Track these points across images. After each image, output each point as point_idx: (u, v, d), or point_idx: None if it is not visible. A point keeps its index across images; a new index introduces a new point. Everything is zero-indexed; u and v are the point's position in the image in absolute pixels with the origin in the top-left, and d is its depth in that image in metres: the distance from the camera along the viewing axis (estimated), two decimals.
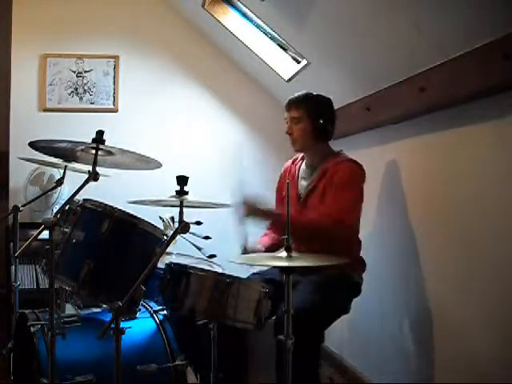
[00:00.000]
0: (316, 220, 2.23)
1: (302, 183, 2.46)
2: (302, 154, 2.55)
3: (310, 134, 2.39)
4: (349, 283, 2.36)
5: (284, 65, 3.28)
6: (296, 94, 2.44)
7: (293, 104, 2.42)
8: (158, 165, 1.95)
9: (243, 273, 2.28)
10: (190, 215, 1.76)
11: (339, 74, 2.87)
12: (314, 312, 2.07)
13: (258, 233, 2.49)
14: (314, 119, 2.38)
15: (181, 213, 1.71)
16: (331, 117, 2.42)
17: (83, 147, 1.88)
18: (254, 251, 2.28)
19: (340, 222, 2.18)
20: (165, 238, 1.92)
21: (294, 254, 1.65)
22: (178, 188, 1.73)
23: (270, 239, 2.47)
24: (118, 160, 1.98)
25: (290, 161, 2.62)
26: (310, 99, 2.41)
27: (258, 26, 3.28)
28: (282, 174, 2.63)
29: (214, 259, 2.43)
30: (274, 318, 2.02)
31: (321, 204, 2.30)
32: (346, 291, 2.35)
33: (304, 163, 2.51)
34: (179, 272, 1.84)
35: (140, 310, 2.08)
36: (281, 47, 3.26)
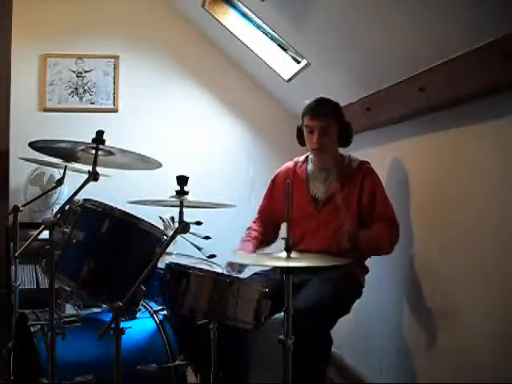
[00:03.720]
0: (382, 235, 2.27)
1: (317, 185, 2.44)
2: (304, 156, 2.54)
3: (337, 140, 2.39)
4: (355, 284, 2.38)
5: (284, 65, 3.28)
6: (318, 101, 2.35)
7: (323, 111, 2.32)
8: (158, 165, 1.95)
9: (243, 273, 2.29)
10: (189, 215, 1.76)
11: (339, 74, 2.87)
12: (322, 309, 2.09)
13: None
14: (339, 124, 2.36)
15: (181, 213, 1.71)
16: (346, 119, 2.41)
17: (83, 147, 1.88)
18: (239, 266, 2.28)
19: (396, 222, 2.34)
20: (165, 238, 1.92)
21: (293, 255, 1.65)
22: (178, 188, 1.73)
23: (252, 246, 2.44)
24: (118, 160, 1.98)
25: (291, 163, 2.56)
26: (333, 104, 2.36)
27: (258, 26, 3.28)
28: (281, 176, 2.55)
29: (214, 259, 2.43)
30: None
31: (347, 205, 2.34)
32: (353, 291, 2.36)
33: (312, 165, 2.48)
34: (179, 272, 1.83)
35: (140, 309, 2.07)
36: (281, 47, 3.26)
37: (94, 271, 1.80)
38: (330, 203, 2.39)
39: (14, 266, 2.58)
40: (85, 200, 1.93)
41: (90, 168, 1.82)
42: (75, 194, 1.80)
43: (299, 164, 2.53)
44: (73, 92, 3.63)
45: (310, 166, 2.49)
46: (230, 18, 3.32)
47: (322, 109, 2.33)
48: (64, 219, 1.87)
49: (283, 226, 2.57)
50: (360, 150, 2.74)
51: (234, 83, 3.83)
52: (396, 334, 2.60)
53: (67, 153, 2.03)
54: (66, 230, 1.86)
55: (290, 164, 2.58)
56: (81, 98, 3.64)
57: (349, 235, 2.18)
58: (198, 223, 2.43)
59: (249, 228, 2.56)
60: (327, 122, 2.32)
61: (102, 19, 3.65)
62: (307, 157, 2.52)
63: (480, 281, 1.99)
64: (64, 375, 1.80)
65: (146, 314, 2.16)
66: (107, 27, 3.66)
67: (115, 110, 3.67)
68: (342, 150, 2.50)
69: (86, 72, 3.65)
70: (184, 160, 3.59)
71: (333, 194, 2.38)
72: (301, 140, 2.44)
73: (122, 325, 1.55)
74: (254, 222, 2.60)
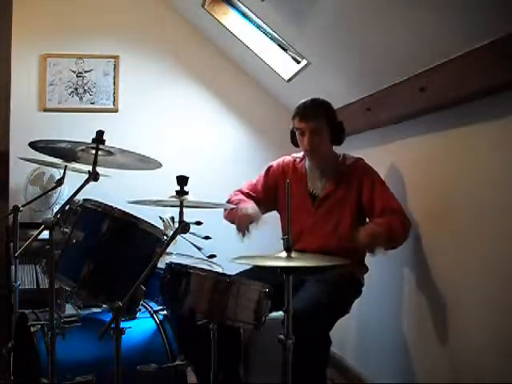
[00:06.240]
0: (393, 222, 2.22)
1: (315, 183, 2.44)
2: (302, 153, 2.54)
3: (329, 140, 2.38)
4: (355, 283, 2.38)
5: (284, 65, 3.28)
6: (306, 103, 2.35)
7: (311, 113, 2.31)
8: (158, 165, 1.95)
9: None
10: (189, 215, 1.76)
11: (339, 74, 2.87)
12: (322, 310, 2.09)
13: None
14: (331, 124, 2.36)
15: (181, 213, 1.71)
16: (338, 118, 2.41)
17: (83, 147, 1.88)
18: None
19: (402, 210, 2.31)
20: (165, 238, 1.92)
21: (293, 255, 1.65)
22: (178, 188, 1.73)
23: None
24: (118, 160, 1.98)
25: (290, 158, 2.56)
26: (322, 104, 2.35)
27: (258, 26, 3.28)
28: (281, 169, 2.54)
29: (214, 259, 2.43)
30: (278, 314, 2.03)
31: (345, 203, 2.34)
32: (352, 291, 2.36)
33: (309, 163, 2.49)
34: (179, 272, 1.83)
35: (140, 310, 2.07)
36: (281, 47, 3.26)
37: (93, 271, 1.80)
38: (326, 202, 2.39)
39: (14, 266, 2.58)
40: (85, 200, 1.93)
41: (90, 168, 1.82)
42: (75, 194, 1.80)
43: (298, 160, 2.54)
44: (73, 92, 3.63)
45: (307, 163, 2.50)
46: (230, 18, 3.32)
47: (310, 110, 2.32)
48: (64, 219, 1.86)
49: (278, 224, 2.57)
50: (360, 150, 2.73)
51: (234, 83, 3.83)
52: (396, 335, 2.60)
53: (67, 153, 2.03)
54: (65, 230, 1.86)
55: (288, 158, 2.57)
56: (81, 98, 3.64)
57: (367, 233, 2.12)
58: (198, 223, 2.43)
59: (240, 195, 2.52)
60: (317, 124, 2.31)
61: (102, 19, 3.65)
62: (305, 155, 2.52)
63: (481, 280, 1.98)
64: (64, 375, 1.80)
65: (146, 314, 2.16)
66: (107, 27, 3.67)
67: (115, 110, 3.67)
68: (337, 149, 2.50)
69: (86, 72, 3.65)
70: (184, 160, 3.59)
71: (329, 193, 2.39)
72: (295, 142, 2.45)
73: (122, 325, 1.55)
74: (238, 194, 2.54)
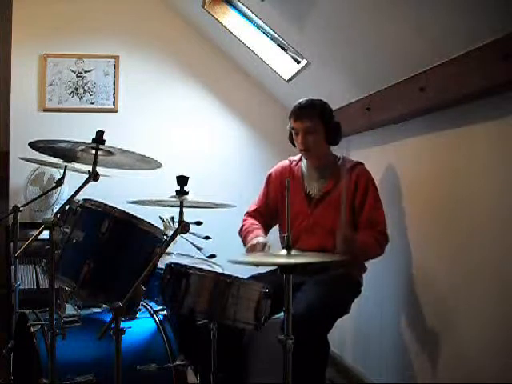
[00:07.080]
0: (369, 241, 2.26)
1: (312, 184, 2.45)
2: (299, 155, 2.54)
3: (325, 140, 2.39)
4: (352, 283, 2.38)
5: (284, 65, 3.28)
6: (301, 103, 2.38)
7: (305, 113, 2.35)
8: (158, 165, 1.95)
9: (243, 273, 2.28)
10: (189, 215, 1.76)
11: (339, 74, 2.87)
12: (321, 311, 2.08)
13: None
14: (326, 124, 2.37)
15: (181, 213, 1.71)
16: (335, 119, 2.42)
17: (83, 147, 1.88)
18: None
19: (384, 230, 2.33)
20: (165, 238, 1.92)
21: (293, 253, 1.65)
22: (178, 188, 1.73)
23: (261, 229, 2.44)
24: (118, 160, 1.98)
25: (286, 162, 2.58)
26: (318, 105, 2.37)
27: (258, 26, 3.28)
28: (277, 174, 2.55)
29: (214, 259, 2.43)
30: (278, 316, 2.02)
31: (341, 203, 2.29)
32: (350, 291, 2.36)
33: (306, 164, 2.49)
34: (179, 272, 1.83)
35: (140, 310, 2.07)
36: (281, 47, 3.26)
37: (93, 271, 1.80)
38: (323, 201, 2.40)
39: (14, 266, 2.58)
40: (85, 200, 1.93)
41: (90, 168, 1.82)
42: (75, 194, 1.81)
43: (294, 162, 2.55)
44: (73, 92, 3.64)
45: (304, 165, 2.50)
46: (230, 18, 3.33)
47: (305, 111, 2.35)
48: (64, 219, 1.86)
49: (276, 226, 2.57)
50: (360, 150, 2.74)
51: (234, 83, 3.83)
52: (396, 335, 2.60)
53: (67, 153, 2.03)
54: (65, 230, 1.86)
55: (285, 163, 2.58)
56: (81, 98, 3.65)
57: (345, 238, 2.15)
58: (198, 223, 2.43)
59: (246, 223, 2.51)
60: (311, 124, 2.34)
61: (102, 19, 3.65)
62: (301, 156, 2.53)
63: (480, 280, 1.98)
64: (64, 375, 1.80)
65: (146, 314, 2.16)
66: (107, 27, 3.67)
67: (115, 110, 3.67)
68: (338, 151, 2.50)
69: (86, 72, 3.65)
70: (184, 160, 3.59)
71: (326, 192, 2.39)
72: (293, 141, 2.46)
73: (122, 325, 1.55)
74: (246, 220, 2.53)
